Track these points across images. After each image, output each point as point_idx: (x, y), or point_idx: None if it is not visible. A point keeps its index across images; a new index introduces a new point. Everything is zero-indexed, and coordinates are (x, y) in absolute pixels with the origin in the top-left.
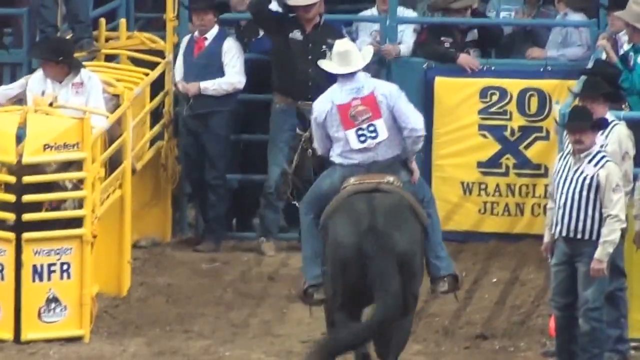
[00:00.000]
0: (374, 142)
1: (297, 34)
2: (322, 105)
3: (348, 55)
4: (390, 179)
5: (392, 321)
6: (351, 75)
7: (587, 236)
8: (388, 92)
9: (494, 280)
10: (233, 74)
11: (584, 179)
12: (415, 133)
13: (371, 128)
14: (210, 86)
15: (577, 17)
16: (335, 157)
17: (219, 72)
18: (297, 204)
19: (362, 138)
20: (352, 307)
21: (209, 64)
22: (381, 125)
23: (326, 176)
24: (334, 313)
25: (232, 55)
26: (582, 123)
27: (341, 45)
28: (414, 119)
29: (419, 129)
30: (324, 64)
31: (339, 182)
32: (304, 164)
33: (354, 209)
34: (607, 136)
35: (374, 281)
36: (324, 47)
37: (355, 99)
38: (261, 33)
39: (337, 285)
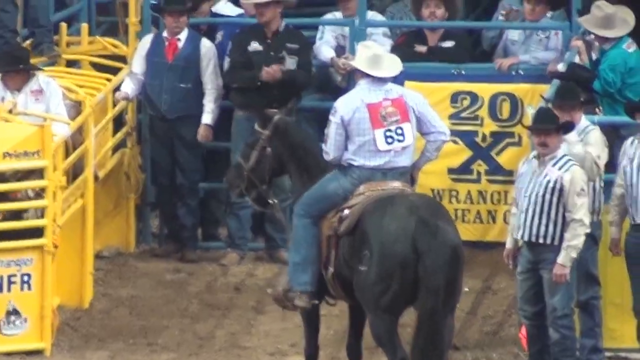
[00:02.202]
0: (400, 145)
1: (255, 45)
2: (351, 103)
3: (381, 59)
4: (407, 188)
5: (444, 317)
6: (379, 80)
7: (549, 241)
8: (416, 98)
9: (466, 289)
10: (217, 77)
11: (548, 182)
12: (441, 137)
13: (399, 131)
14: (212, 113)
15: (550, 21)
16: (352, 158)
17: (197, 74)
18: (249, 200)
19: (390, 140)
20: (397, 308)
21: (187, 67)
22: (408, 129)
23: (332, 179)
24: (377, 317)
25: (210, 57)
26: (547, 125)
27: (373, 48)
28: (440, 123)
29: (446, 132)
30: (356, 62)
31: (350, 186)
32: (261, 163)
33: (395, 206)
34: (582, 140)
35: (427, 275)
36: (283, 52)
37: (386, 99)
38: (219, 37)
39: (389, 283)
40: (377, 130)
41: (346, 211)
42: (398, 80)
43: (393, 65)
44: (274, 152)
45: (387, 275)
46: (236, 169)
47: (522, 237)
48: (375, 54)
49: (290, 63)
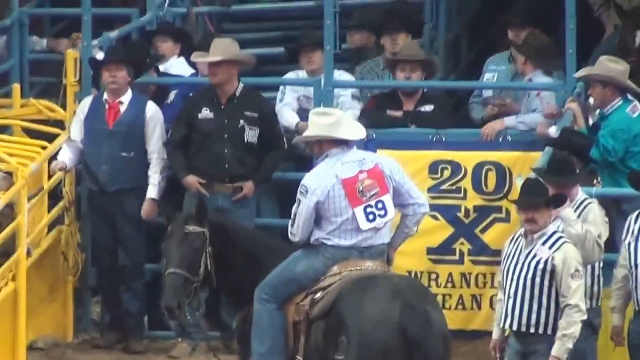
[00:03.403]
0: (382, 220)
1: (206, 113)
2: (324, 181)
3: (340, 123)
4: (386, 268)
5: None
6: (348, 146)
7: (541, 330)
8: (392, 166)
9: None
10: (162, 148)
11: (537, 263)
12: (422, 209)
13: (379, 205)
14: (157, 186)
15: (545, 80)
16: (327, 238)
17: (141, 142)
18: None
19: (371, 216)
20: None
21: (130, 134)
22: (389, 202)
23: (300, 259)
24: None
25: (156, 123)
26: (535, 199)
27: (330, 113)
28: (419, 194)
29: (425, 204)
30: (316, 131)
31: (323, 266)
32: (212, 269)
33: (377, 288)
34: (579, 216)
35: None
36: (241, 121)
37: (361, 171)
38: (172, 97)
39: None
40: (356, 208)
41: (319, 293)
42: (370, 147)
43: (355, 127)
44: (216, 250)
45: None
46: (184, 286)
47: (510, 326)
48: (335, 120)
49: (251, 135)
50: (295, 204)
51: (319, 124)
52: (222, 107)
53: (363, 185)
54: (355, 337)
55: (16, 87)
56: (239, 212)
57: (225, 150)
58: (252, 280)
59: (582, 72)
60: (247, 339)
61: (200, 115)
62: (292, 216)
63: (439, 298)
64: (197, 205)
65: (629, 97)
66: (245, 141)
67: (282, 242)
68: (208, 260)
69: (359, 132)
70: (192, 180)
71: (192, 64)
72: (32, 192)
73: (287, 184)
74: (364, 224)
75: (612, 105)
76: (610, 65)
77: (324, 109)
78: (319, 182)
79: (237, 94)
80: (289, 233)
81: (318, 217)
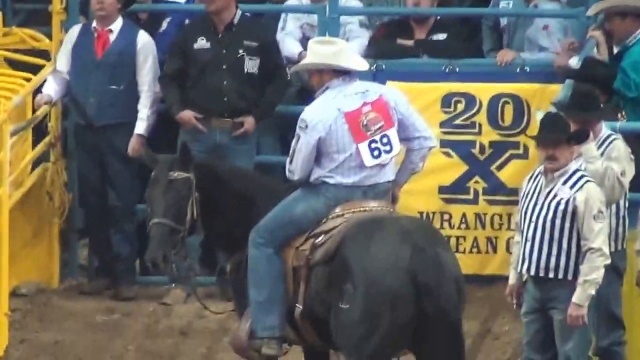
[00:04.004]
0: (388, 156)
1: (202, 42)
2: (326, 115)
3: (343, 53)
4: (392, 208)
5: None
6: (351, 77)
7: (561, 275)
8: (397, 97)
9: None
10: (154, 80)
11: (558, 204)
12: (428, 143)
13: (385, 140)
14: (147, 121)
15: (550, 6)
16: (328, 176)
17: (131, 74)
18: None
19: (376, 152)
20: (384, 356)
21: (120, 65)
22: (394, 136)
23: (299, 199)
24: None
25: (148, 53)
26: (556, 135)
27: (333, 41)
28: (425, 126)
29: (432, 137)
30: (317, 59)
31: (324, 207)
32: (200, 215)
33: (384, 231)
34: (603, 152)
35: (442, 313)
36: (240, 51)
37: (365, 104)
38: (165, 25)
39: (377, 323)
40: (361, 144)
41: (321, 237)
42: (378, 79)
43: (358, 58)
44: (204, 195)
45: (374, 313)
46: (170, 236)
47: (528, 270)
48: (337, 49)
49: (251, 66)
50: (294, 140)
51: (320, 53)
52: (220, 36)
53: (367, 118)
54: (362, 284)
55: None
56: (238, 149)
57: (224, 83)
58: (245, 224)
59: (593, 9)
60: (241, 287)
61: (196, 46)
62: (290, 153)
63: (452, 241)
64: (180, 149)
65: None
66: (245, 72)
67: (279, 182)
68: (195, 207)
69: (362, 63)
70: (187, 115)
71: None
72: (15, 127)
73: (289, 119)
74: (369, 161)
75: (634, 36)
76: None
77: (326, 37)
78: (320, 116)
79: (236, 22)
80: (286, 171)
81: (319, 154)
